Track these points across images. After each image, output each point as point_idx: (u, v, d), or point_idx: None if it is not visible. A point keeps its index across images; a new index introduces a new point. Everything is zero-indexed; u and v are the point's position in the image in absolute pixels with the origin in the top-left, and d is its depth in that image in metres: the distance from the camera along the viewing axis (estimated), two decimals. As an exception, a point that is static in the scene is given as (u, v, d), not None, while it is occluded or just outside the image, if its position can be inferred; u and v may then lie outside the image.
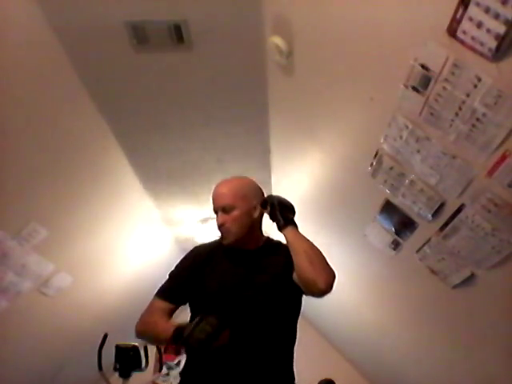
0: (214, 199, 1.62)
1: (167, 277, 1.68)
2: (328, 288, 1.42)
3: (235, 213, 1.57)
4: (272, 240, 1.73)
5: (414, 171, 1.88)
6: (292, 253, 1.50)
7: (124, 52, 2.21)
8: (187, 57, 2.30)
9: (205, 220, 4.12)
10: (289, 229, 1.54)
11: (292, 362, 1.61)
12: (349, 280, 3.49)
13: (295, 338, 1.63)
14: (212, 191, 1.64)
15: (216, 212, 1.61)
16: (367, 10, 1.57)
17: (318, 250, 1.50)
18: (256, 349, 1.50)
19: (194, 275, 1.61)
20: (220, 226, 1.59)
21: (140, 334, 1.66)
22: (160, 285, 1.67)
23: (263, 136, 2.99)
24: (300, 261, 1.46)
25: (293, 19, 1.97)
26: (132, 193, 3.52)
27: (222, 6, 2.02)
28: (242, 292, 1.54)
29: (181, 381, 1.62)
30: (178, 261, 1.71)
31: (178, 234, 4.53)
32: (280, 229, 1.56)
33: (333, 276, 1.45)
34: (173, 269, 1.69)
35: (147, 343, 1.57)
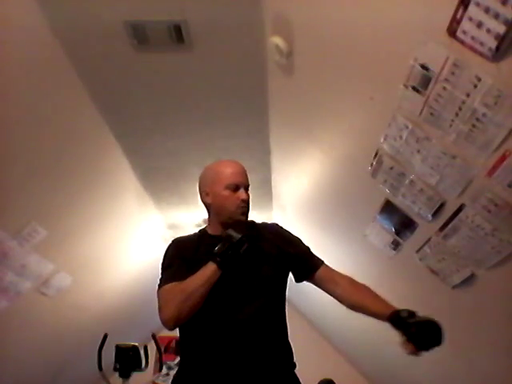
0: (237, 174, 1.61)
1: (167, 266, 1.60)
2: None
3: (249, 193, 1.63)
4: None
5: (414, 171, 1.88)
6: None
7: (124, 52, 2.21)
8: (187, 57, 2.30)
9: (205, 221, 4.11)
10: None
11: (288, 338, 1.62)
12: (349, 280, 3.48)
13: (285, 313, 1.65)
14: (227, 165, 1.63)
15: (237, 186, 1.59)
16: (367, 10, 1.57)
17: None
18: (258, 328, 1.51)
19: (187, 264, 1.56)
20: (245, 201, 1.59)
21: (179, 313, 1.45)
22: (161, 277, 1.58)
23: (263, 136, 2.99)
24: None
25: (293, 19, 1.97)
26: (132, 193, 3.52)
27: (222, 6, 2.02)
28: (236, 276, 1.53)
29: (180, 369, 1.60)
30: (167, 254, 1.66)
31: (177, 234, 4.53)
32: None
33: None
34: (166, 260, 1.63)
35: (188, 316, 1.45)
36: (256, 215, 1.78)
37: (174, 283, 1.49)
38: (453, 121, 1.52)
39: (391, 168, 1.99)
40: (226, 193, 1.58)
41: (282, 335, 1.60)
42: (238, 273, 1.52)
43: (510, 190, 1.47)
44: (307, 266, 1.63)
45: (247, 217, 1.62)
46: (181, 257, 1.61)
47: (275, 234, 1.67)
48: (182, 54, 2.28)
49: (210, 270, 1.45)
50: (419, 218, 2.04)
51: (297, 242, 1.69)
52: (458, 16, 1.26)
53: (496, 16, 1.17)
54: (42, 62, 2.11)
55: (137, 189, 3.51)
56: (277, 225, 1.76)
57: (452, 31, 1.30)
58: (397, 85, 1.63)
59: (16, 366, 3.44)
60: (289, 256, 1.61)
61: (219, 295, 1.49)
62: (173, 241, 1.73)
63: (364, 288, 1.59)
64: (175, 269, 1.56)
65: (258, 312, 1.52)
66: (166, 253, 1.68)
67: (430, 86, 1.51)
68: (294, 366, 1.60)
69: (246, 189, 1.62)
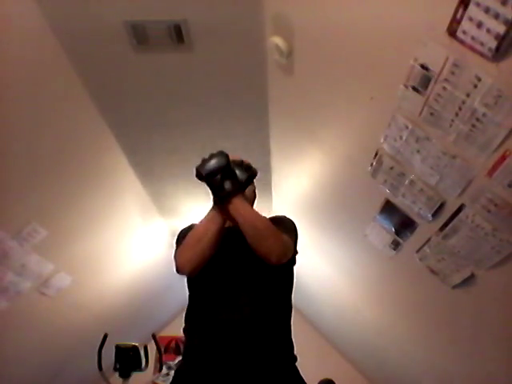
0: None
1: (182, 238, 1.63)
2: (279, 261, 1.48)
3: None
4: None
5: (414, 171, 1.88)
6: (240, 227, 1.49)
7: (124, 52, 2.21)
8: (187, 57, 2.30)
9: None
10: (231, 201, 1.49)
11: (290, 332, 1.63)
12: (349, 280, 3.49)
13: (291, 308, 1.66)
14: None
15: None
16: (367, 9, 1.58)
17: (264, 221, 1.50)
18: (259, 323, 1.52)
19: None
20: None
21: (192, 255, 1.50)
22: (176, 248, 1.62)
23: (263, 136, 2.99)
24: (248, 237, 1.46)
25: (293, 19, 1.97)
26: (132, 193, 3.52)
27: (222, 6, 2.02)
28: (238, 268, 1.58)
29: (183, 359, 1.62)
30: (182, 232, 1.72)
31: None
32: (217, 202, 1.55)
33: (282, 248, 1.49)
34: (181, 236, 1.68)
35: (200, 260, 1.50)
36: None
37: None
38: (453, 121, 1.52)
39: (391, 168, 1.99)
40: None
41: (284, 329, 1.62)
42: (240, 266, 1.56)
43: (510, 190, 1.47)
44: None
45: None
46: None
47: (276, 223, 1.65)
48: (182, 54, 2.28)
49: (209, 211, 1.56)
50: (419, 218, 2.04)
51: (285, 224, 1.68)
52: (458, 16, 1.26)
53: (496, 16, 1.17)
54: (42, 61, 2.11)
55: (136, 189, 3.51)
56: (284, 217, 1.78)
57: (452, 31, 1.31)
58: (397, 85, 1.63)
59: (16, 366, 3.44)
60: None
61: (221, 290, 1.54)
62: (183, 230, 1.76)
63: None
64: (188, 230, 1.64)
65: (260, 305, 1.54)
66: (180, 232, 1.74)
67: (430, 85, 1.51)
68: (295, 359, 1.61)
69: None
